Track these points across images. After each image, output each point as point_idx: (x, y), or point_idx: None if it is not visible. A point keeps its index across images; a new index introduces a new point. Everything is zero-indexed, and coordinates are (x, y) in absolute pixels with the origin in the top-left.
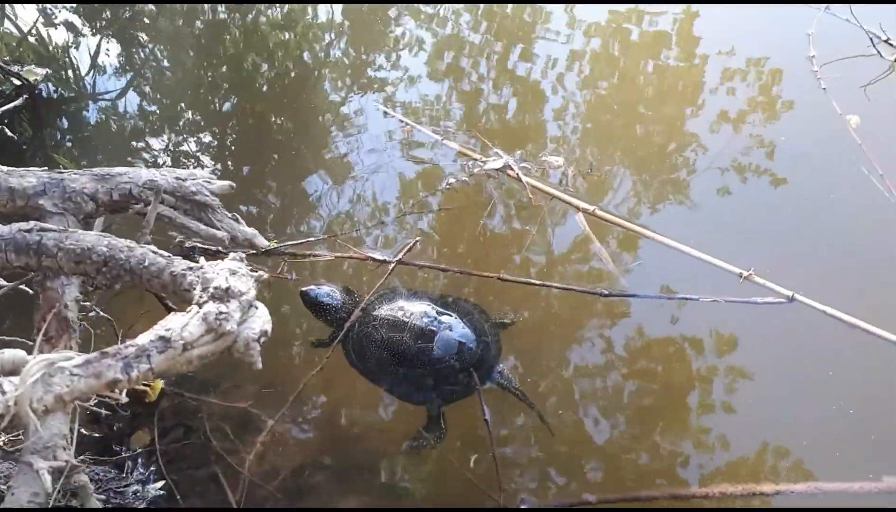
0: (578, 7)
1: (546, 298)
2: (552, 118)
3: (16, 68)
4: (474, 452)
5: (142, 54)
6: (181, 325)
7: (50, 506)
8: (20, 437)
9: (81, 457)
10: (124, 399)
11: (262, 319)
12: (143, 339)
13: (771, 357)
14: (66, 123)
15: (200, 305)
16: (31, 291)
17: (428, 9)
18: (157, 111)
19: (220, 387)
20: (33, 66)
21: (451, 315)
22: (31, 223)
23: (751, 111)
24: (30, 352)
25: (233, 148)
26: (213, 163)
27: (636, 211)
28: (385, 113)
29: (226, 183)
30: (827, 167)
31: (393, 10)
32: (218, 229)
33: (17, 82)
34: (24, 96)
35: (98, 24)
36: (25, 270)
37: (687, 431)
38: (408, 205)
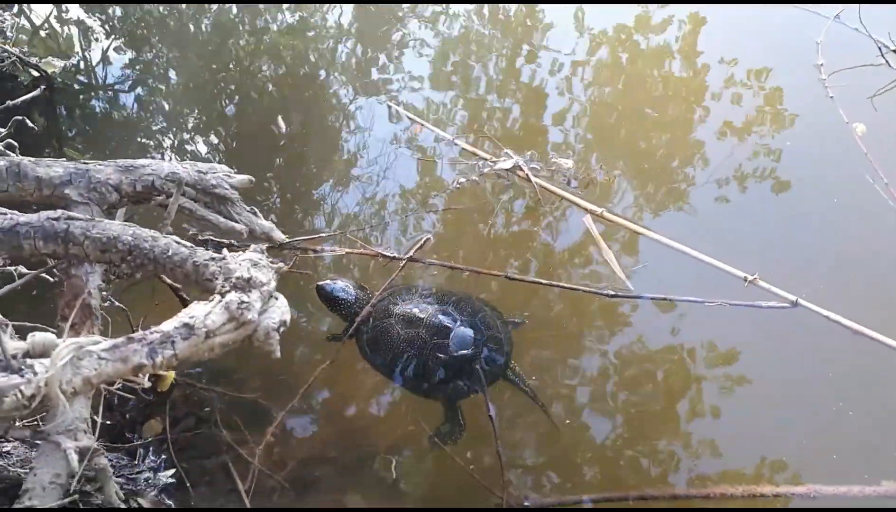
0: (586, 14)
1: (551, 299)
2: (558, 123)
3: (34, 60)
4: (478, 450)
5: (150, 54)
6: (204, 313)
7: (70, 488)
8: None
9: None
10: (147, 384)
11: (281, 310)
12: (168, 325)
13: (773, 361)
14: (76, 116)
15: (223, 295)
16: (51, 279)
17: (437, 9)
18: (165, 109)
19: (230, 378)
20: (51, 57)
21: (465, 311)
22: (59, 212)
23: (758, 118)
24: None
25: (241, 146)
26: (221, 159)
27: (642, 214)
28: (395, 111)
29: (245, 177)
30: (832, 175)
31: (400, 12)
32: (237, 222)
33: (36, 74)
34: (42, 87)
35: (108, 24)
36: (53, 257)
37: (688, 434)
38: (417, 203)
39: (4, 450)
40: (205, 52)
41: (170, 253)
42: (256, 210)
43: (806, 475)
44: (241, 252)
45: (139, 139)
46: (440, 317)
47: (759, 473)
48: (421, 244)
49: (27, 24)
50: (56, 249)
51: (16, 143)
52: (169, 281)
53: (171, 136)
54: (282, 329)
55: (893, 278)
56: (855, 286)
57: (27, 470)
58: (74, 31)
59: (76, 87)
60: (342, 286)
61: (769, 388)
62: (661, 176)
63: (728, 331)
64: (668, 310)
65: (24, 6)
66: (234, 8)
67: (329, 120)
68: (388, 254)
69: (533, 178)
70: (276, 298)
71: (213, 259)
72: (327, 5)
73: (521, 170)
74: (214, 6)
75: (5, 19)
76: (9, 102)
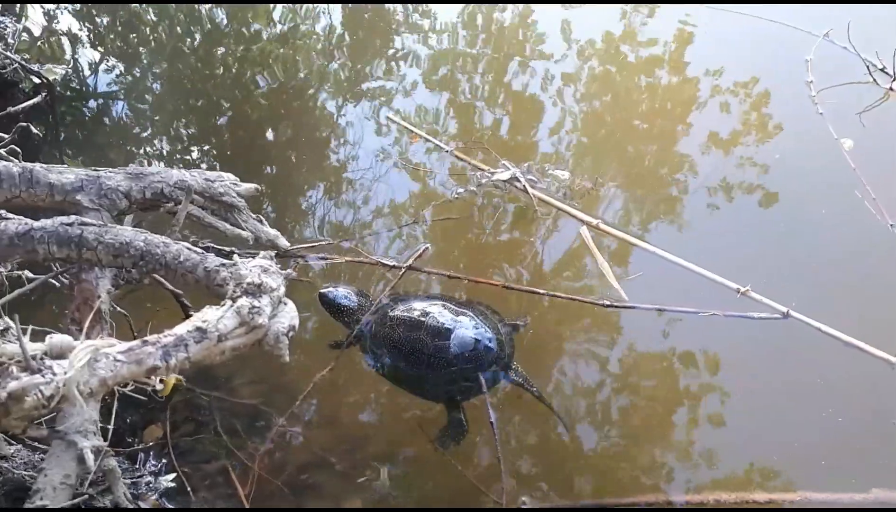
0: (574, 24)
1: (545, 308)
2: (553, 134)
3: (35, 67)
4: (476, 453)
5: (144, 63)
6: (217, 317)
7: (78, 489)
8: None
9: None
10: (159, 386)
11: (290, 315)
12: (181, 329)
13: (763, 370)
14: (74, 123)
15: (234, 300)
16: (57, 284)
17: (428, 21)
18: (160, 118)
19: (230, 384)
20: (51, 64)
21: (466, 314)
22: (73, 217)
23: (745, 132)
24: None
25: (235, 156)
26: (215, 168)
27: (636, 226)
28: (389, 122)
29: (252, 185)
30: (822, 189)
31: (393, 24)
32: (243, 230)
33: (37, 80)
34: (43, 94)
35: (103, 33)
36: (66, 261)
37: (682, 441)
38: (414, 214)
39: (8, 453)
40: (200, 61)
41: (181, 259)
42: (262, 218)
43: (797, 482)
44: (251, 258)
45: (131, 148)
46: (441, 320)
47: (751, 480)
48: (419, 254)
49: (28, 32)
50: (69, 254)
51: (19, 149)
52: (170, 287)
53: (165, 145)
54: (291, 333)
55: (881, 290)
56: (844, 298)
57: (31, 473)
58: (71, 38)
59: (75, 94)
60: (344, 293)
61: (760, 396)
62: (654, 188)
63: (721, 341)
64: (661, 320)
65: (24, 12)
66: (224, 16)
67: (323, 130)
68: (387, 262)
69: (530, 190)
70: (286, 304)
71: (223, 265)
72: (318, 14)
73: (519, 181)
74: (204, 12)
75: (7, 26)
76: (10, 109)
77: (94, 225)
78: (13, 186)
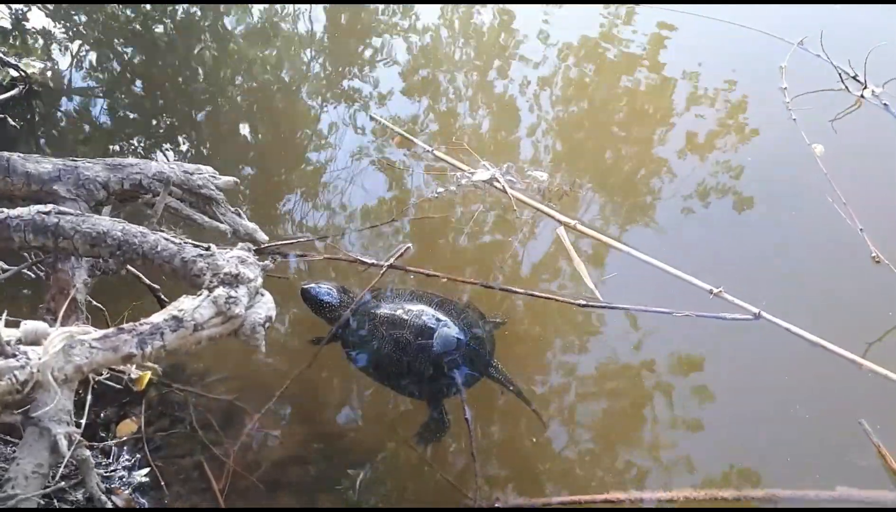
0: (555, 29)
1: (520, 307)
2: (530, 136)
3: (13, 60)
4: (452, 452)
5: (122, 59)
6: (193, 306)
7: (50, 482)
8: None
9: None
10: (134, 374)
11: (267, 306)
12: (157, 317)
13: (732, 369)
14: (50, 117)
15: (211, 290)
16: (31, 275)
17: (408, 21)
18: (133, 115)
19: (206, 379)
20: (30, 58)
21: (448, 313)
22: (50, 206)
23: (720, 137)
24: None
25: (212, 153)
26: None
27: (612, 227)
28: (375, 121)
29: (231, 178)
30: (794, 194)
31: (372, 23)
32: (221, 223)
33: (14, 74)
34: (20, 87)
35: (79, 29)
36: (42, 250)
37: (653, 440)
38: (394, 213)
39: None
40: (177, 58)
41: (159, 249)
42: (240, 211)
43: (763, 479)
44: (228, 249)
45: (107, 143)
46: (424, 318)
47: (720, 477)
48: (401, 253)
49: (5, 22)
50: (46, 243)
51: None
52: (147, 281)
53: (141, 141)
54: (267, 325)
55: (850, 293)
56: (814, 300)
57: (3, 465)
58: (46, 34)
59: (52, 88)
60: (326, 289)
61: (729, 395)
62: (629, 190)
63: (692, 341)
64: (634, 320)
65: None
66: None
67: (303, 129)
68: (366, 260)
69: (509, 190)
70: (263, 295)
71: (200, 255)
72: (298, 14)
73: (498, 181)
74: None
75: None
76: None
77: (72, 214)
78: None
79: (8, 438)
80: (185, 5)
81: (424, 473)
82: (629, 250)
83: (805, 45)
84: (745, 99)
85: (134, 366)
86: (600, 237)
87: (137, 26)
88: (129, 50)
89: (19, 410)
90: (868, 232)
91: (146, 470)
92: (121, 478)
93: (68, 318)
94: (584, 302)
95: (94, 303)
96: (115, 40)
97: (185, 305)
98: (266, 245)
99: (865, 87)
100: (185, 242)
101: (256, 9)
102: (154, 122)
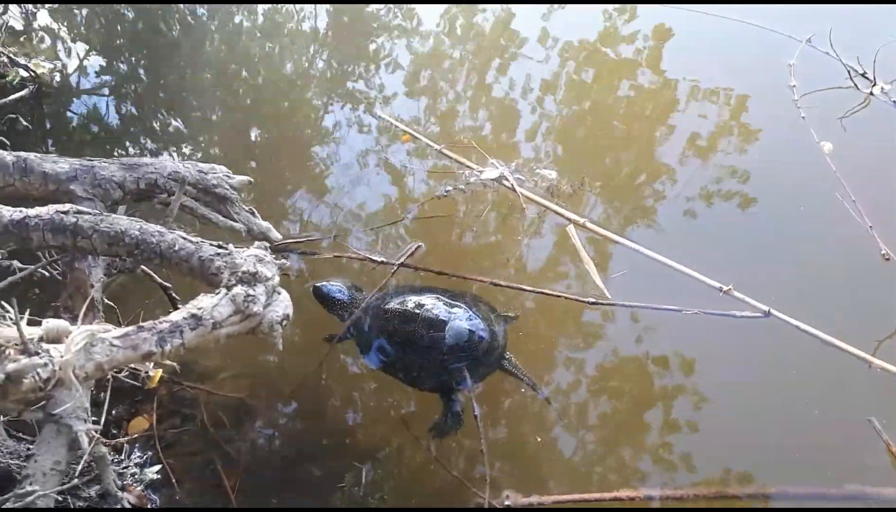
0: (554, 27)
1: (529, 305)
2: (538, 135)
3: (22, 60)
4: (460, 449)
5: (124, 58)
6: (212, 305)
7: (69, 474)
8: None
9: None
10: (152, 372)
11: (284, 304)
12: (177, 316)
13: (741, 366)
14: (59, 117)
15: (229, 288)
16: (47, 274)
17: (411, 22)
18: (142, 115)
19: (217, 377)
20: (40, 59)
21: (460, 306)
22: (68, 206)
23: (728, 135)
24: None
25: (221, 152)
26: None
27: (620, 226)
28: (381, 119)
29: (245, 178)
30: (803, 191)
31: (375, 23)
32: (235, 221)
33: (25, 74)
34: (30, 87)
35: (89, 29)
36: (61, 249)
37: (664, 436)
38: (402, 210)
39: None
40: (184, 59)
41: (176, 248)
42: (254, 210)
43: (771, 477)
44: (245, 248)
45: (115, 144)
46: (435, 312)
47: (728, 475)
48: (412, 252)
49: (16, 23)
50: (64, 242)
51: (7, 142)
52: (159, 280)
53: (150, 141)
54: (285, 323)
55: (859, 291)
56: (823, 298)
57: (17, 462)
58: (54, 35)
59: (61, 88)
60: (338, 287)
61: (738, 392)
62: (637, 188)
63: (701, 339)
64: (640, 319)
65: (6, 8)
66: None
67: (310, 128)
68: (376, 258)
69: (517, 188)
70: (280, 293)
71: (218, 254)
72: (304, 15)
73: (507, 180)
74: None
75: None
76: None
77: (90, 213)
78: (7, 175)
79: (20, 435)
80: (193, 5)
81: (432, 470)
82: (639, 248)
83: (813, 42)
84: (753, 97)
85: (152, 364)
86: (611, 235)
87: (143, 25)
88: (137, 49)
89: (34, 407)
90: (877, 229)
91: (158, 467)
92: (133, 475)
93: (85, 316)
94: (593, 300)
95: (107, 301)
96: (123, 40)
97: (204, 303)
98: (279, 244)
99: (874, 85)
100: (202, 241)
101: (261, 8)
102: (162, 121)
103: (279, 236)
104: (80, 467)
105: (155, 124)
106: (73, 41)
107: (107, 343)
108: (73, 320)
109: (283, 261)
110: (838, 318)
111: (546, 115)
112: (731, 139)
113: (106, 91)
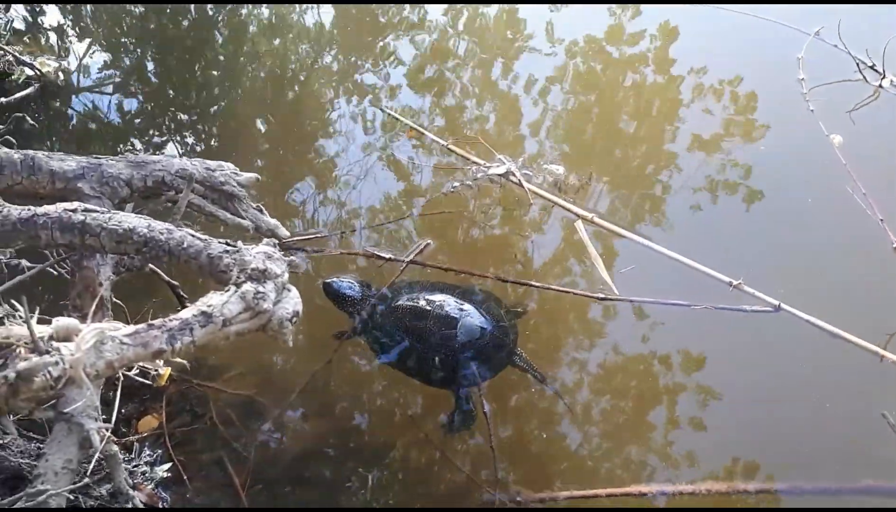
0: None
1: (535, 300)
2: (543, 130)
3: (27, 58)
4: (469, 446)
5: (128, 54)
6: (222, 302)
7: (80, 473)
8: None
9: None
10: (163, 370)
11: (294, 301)
12: (187, 313)
13: (752, 361)
14: (65, 115)
15: (238, 285)
16: (54, 273)
17: (417, 15)
18: (146, 112)
19: (226, 375)
20: (45, 57)
21: (470, 303)
22: (76, 204)
23: (735, 129)
24: None
25: (226, 149)
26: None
27: (628, 221)
28: (388, 114)
29: (252, 175)
30: (813, 185)
31: (383, 17)
32: (243, 219)
33: (30, 72)
34: (35, 85)
35: (82, 23)
36: (68, 247)
37: (676, 432)
38: (408, 207)
39: (3, 441)
40: (189, 54)
41: (185, 245)
42: (262, 207)
43: (786, 472)
44: (254, 245)
45: (119, 140)
46: (447, 308)
47: (740, 469)
48: (421, 249)
49: (19, 23)
50: (73, 240)
51: (14, 140)
52: (166, 278)
53: (155, 137)
54: (295, 320)
55: (870, 284)
56: (834, 291)
57: (28, 461)
58: (59, 32)
59: (66, 86)
60: (348, 283)
61: (750, 387)
62: (645, 183)
63: (711, 334)
64: (648, 314)
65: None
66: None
67: (316, 124)
68: (385, 255)
69: (525, 184)
70: (289, 290)
71: (227, 251)
72: (309, 8)
73: (514, 175)
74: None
75: None
76: (2, 99)
77: (98, 211)
78: (14, 173)
79: (30, 434)
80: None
81: (442, 468)
82: (648, 243)
83: (822, 35)
84: (762, 90)
85: (162, 362)
86: (619, 230)
87: (151, 25)
88: (142, 48)
89: (44, 406)
90: (888, 222)
91: (168, 465)
92: (143, 473)
93: (93, 315)
94: (602, 295)
95: (114, 299)
96: (129, 39)
97: (214, 300)
98: (286, 241)
99: (884, 77)
100: (211, 239)
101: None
102: (167, 119)
103: (287, 233)
104: (91, 466)
105: (160, 120)
106: (79, 39)
107: (117, 341)
108: (82, 319)
109: (293, 258)
110: (849, 311)
111: (552, 110)
112: (739, 133)
113: (112, 89)
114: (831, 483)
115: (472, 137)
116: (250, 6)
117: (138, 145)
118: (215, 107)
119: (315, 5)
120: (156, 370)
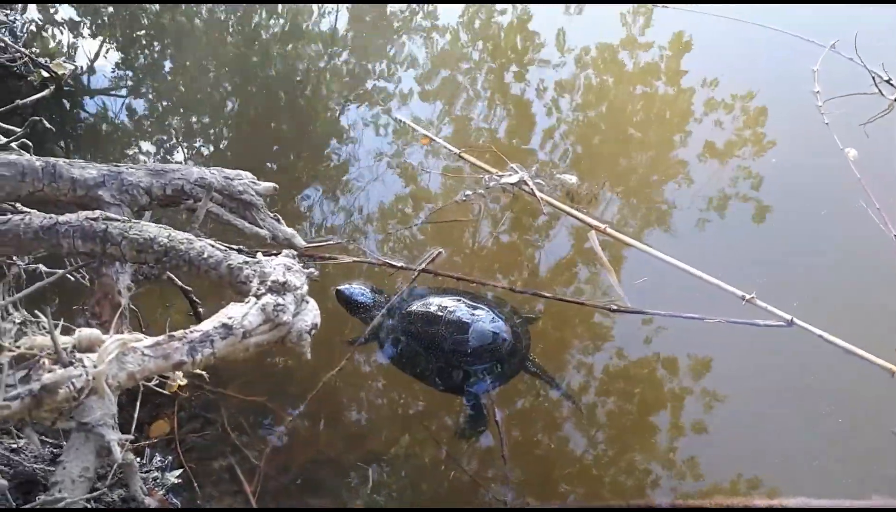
0: (576, 32)
1: (550, 311)
2: (559, 136)
3: (44, 60)
4: (479, 451)
5: (142, 57)
6: (242, 314)
7: (98, 483)
8: None
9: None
10: (183, 381)
11: (313, 313)
12: (207, 325)
13: (763, 376)
14: (79, 118)
15: (258, 297)
16: (72, 279)
17: (429, 22)
18: (160, 117)
19: (238, 381)
20: (61, 59)
21: (482, 308)
22: (98, 212)
23: (750, 142)
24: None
25: (241, 156)
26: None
27: (640, 232)
28: (400, 123)
29: (270, 184)
30: (827, 199)
31: (396, 22)
32: (261, 228)
33: (46, 74)
34: (51, 88)
35: (97, 25)
36: (89, 256)
37: (683, 446)
38: (420, 215)
39: (17, 445)
40: (205, 59)
41: (205, 255)
42: (279, 216)
43: (796, 488)
44: (274, 257)
45: (133, 146)
46: (458, 313)
47: (751, 486)
48: (433, 258)
49: (35, 26)
50: (94, 249)
51: (30, 143)
52: (180, 284)
53: (169, 143)
54: (313, 331)
55: (883, 300)
56: (847, 307)
57: (42, 466)
58: (75, 33)
59: (82, 88)
60: (361, 290)
61: (761, 402)
62: (657, 194)
63: (722, 347)
64: (657, 326)
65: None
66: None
67: (329, 132)
68: (395, 263)
69: (538, 193)
70: (308, 302)
71: (247, 263)
72: (324, 13)
73: (527, 184)
74: (204, 12)
75: (15, 19)
76: (18, 101)
77: (119, 220)
78: (36, 180)
79: (43, 438)
80: (212, 5)
81: (453, 476)
82: (661, 255)
83: (837, 48)
84: (776, 102)
85: (181, 373)
86: (632, 242)
87: (165, 25)
88: (157, 51)
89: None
90: None
91: (179, 471)
92: (154, 479)
93: (111, 323)
94: (615, 307)
95: (131, 306)
96: (144, 41)
97: (234, 312)
98: (303, 250)
99: None
100: (231, 249)
101: (280, 7)
102: (182, 124)
103: (304, 243)
104: (110, 477)
105: (175, 124)
106: (95, 41)
107: (139, 353)
108: (101, 326)
109: (312, 270)
110: (862, 327)
111: (564, 120)
112: (752, 145)
113: (126, 92)
114: (841, 499)
115: (484, 146)
116: (264, 10)
117: (150, 149)
118: (230, 115)
119: (330, 10)
120: (175, 380)
